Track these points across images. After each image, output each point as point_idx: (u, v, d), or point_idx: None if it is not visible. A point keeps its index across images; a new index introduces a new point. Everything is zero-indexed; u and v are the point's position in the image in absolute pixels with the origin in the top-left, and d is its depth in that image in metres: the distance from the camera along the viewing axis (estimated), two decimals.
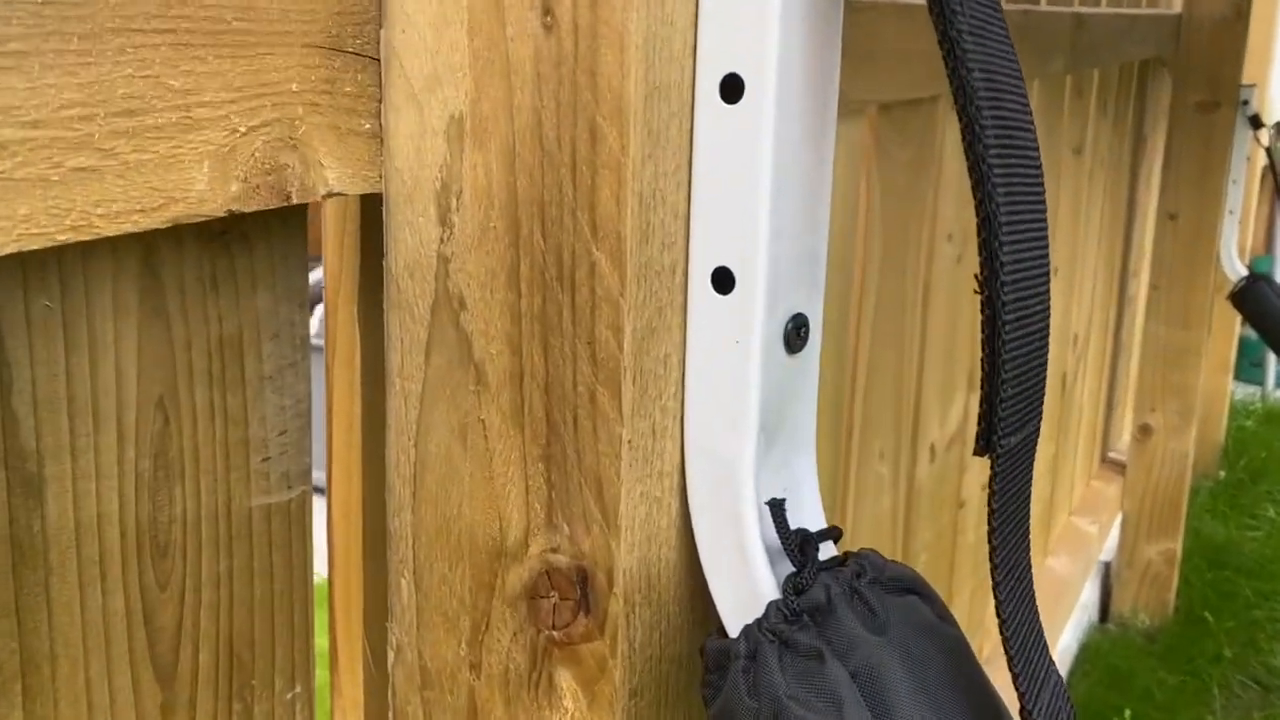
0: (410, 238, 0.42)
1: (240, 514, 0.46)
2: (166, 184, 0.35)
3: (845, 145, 0.98)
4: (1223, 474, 3.50)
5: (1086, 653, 2.39)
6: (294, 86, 0.39)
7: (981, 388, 0.35)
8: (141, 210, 0.34)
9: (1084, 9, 1.57)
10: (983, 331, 0.35)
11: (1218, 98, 2.38)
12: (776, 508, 0.38)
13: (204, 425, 0.45)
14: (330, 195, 0.41)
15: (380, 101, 0.42)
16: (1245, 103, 2.45)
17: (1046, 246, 0.37)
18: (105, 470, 0.41)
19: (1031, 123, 0.36)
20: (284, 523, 0.48)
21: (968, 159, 0.34)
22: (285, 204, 0.39)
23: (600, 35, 0.36)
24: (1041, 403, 0.37)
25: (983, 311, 0.35)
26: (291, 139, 0.39)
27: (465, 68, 0.40)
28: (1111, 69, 2.04)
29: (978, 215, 0.35)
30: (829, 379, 1.05)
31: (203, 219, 0.36)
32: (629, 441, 0.38)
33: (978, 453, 0.35)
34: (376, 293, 0.45)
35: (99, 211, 0.33)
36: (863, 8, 0.84)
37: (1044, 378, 0.37)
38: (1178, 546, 2.54)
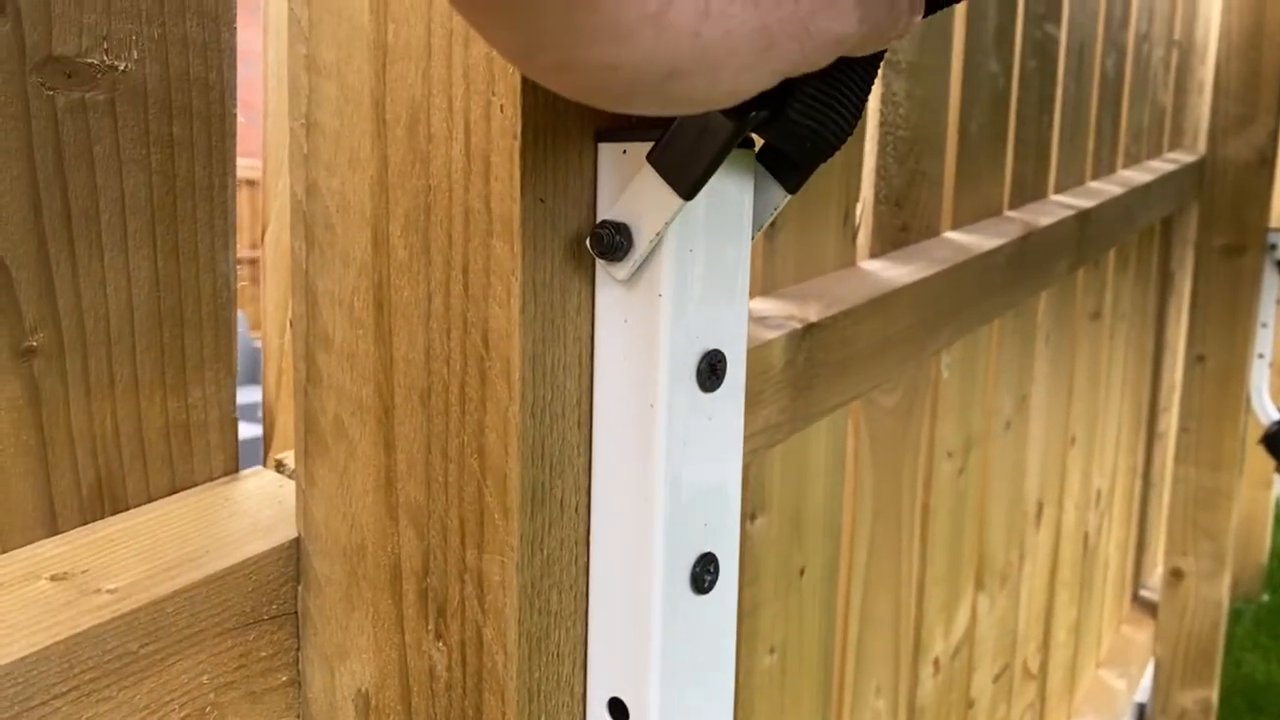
0: None
1: None
2: None
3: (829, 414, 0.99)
4: (1266, 597, 3.41)
5: None
6: (205, 678, 0.40)
7: None
8: None
9: (1089, 201, 1.57)
10: None
11: (1244, 241, 2.36)
12: None
13: None
14: None
15: (299, 651, 0.44)
16: (1274, 247, 2.42)
17: None
18: None
19: None
20: None
21: None
22: None
23: (485, 680, 0.37)
24: None
25: None
26: None
27: (370, 653, 0.41)
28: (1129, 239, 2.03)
29: None
30: (817, 636, 1.05)
31: None
32: None
33: None
34: None
35: None
36: (836, 319, 0.85)
37: None
38: (1213, 694, 2.47)
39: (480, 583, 0.37)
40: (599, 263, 0.36)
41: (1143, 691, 2.56)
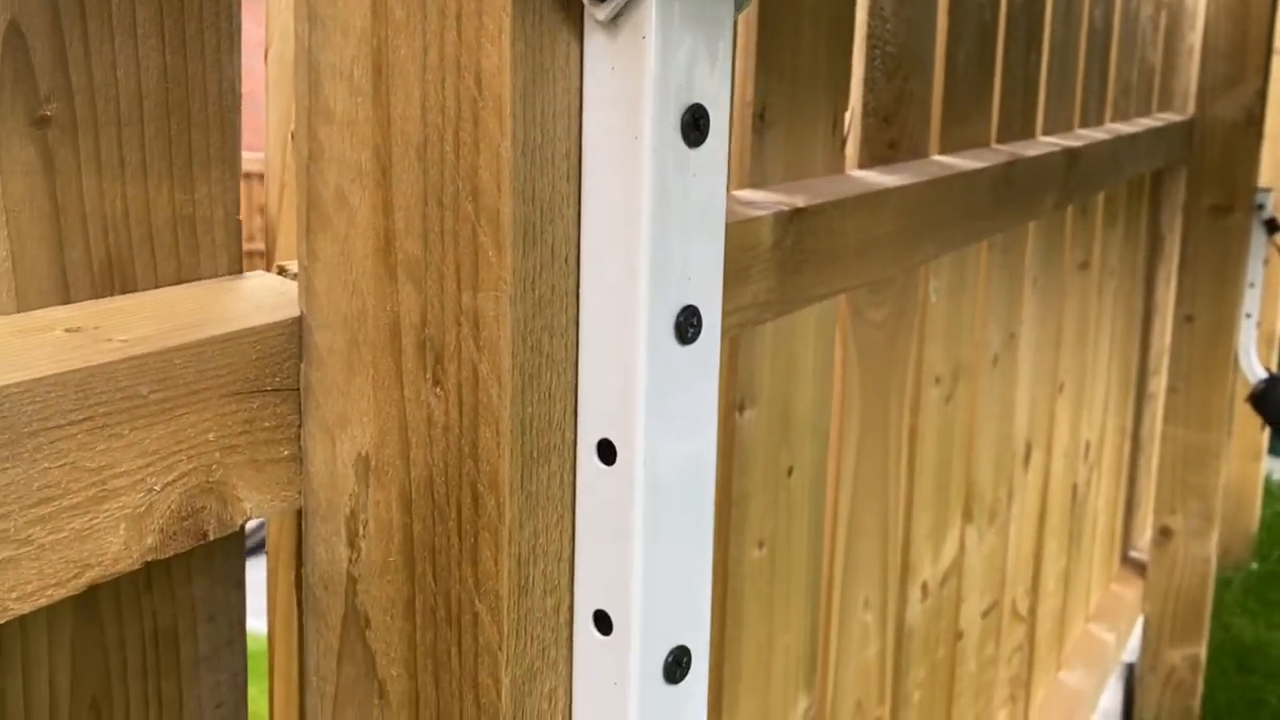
0: (325, 553, 0.46)
1: None
2: (81, 555, 0.38)
3: (816, 316, 1.01)
4: (1255, 565, 3.44)
5: None
6: (211, 436, 0.42)
7: None
8: (56, 584, 0.38)
9: (1077, 142, 1.59)
10: None
11: (1232, 202, 2.38)
12: None
13: (137, 715, 0.48)
14: (248, 519, 0.45)
15: (300, 427, 0.46)
16: (1261, 206, 2.45)
17: None
18: None
19: None
20: None
21: None
22: (203, 542, 0.42)
23: (480, 415, 0.39)
24: None
25: None
26: (208, 483, 0.42)
27: (370, 414, 0.43)
28: (1117, 188, 2.06)
29: None
30: (805, 537, 1.07)
31: (119, 575, 0.40)
32: None
33: None
34: None
35: (14, 595, 0.36)
36: (823, 208, 0.87)
37: None
38: (1201, 651, 2.50)
39: (476, 321, 0.39)
40: (586, 6, 0.38)
41: (1131, 652, 2.59)
